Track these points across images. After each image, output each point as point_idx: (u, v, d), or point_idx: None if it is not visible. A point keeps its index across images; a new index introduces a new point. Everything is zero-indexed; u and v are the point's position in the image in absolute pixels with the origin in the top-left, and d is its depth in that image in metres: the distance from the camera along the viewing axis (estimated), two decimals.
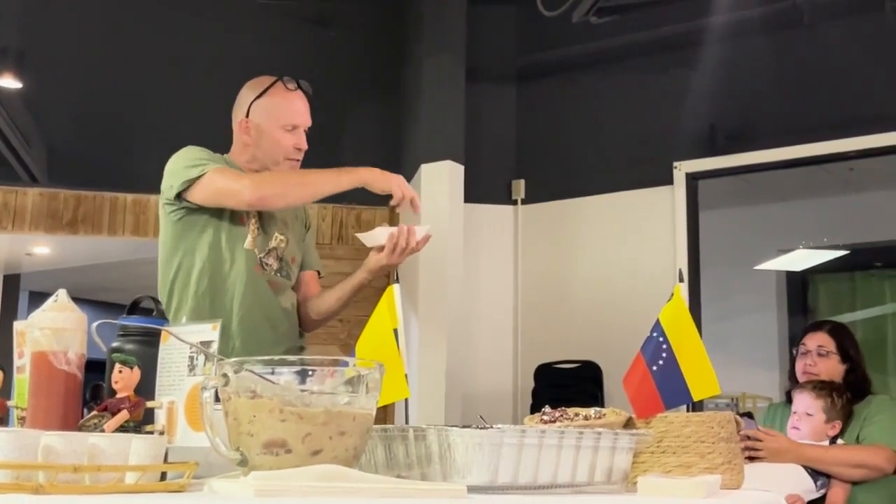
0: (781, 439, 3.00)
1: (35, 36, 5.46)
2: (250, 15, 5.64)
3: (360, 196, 5.99)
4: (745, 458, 2.78)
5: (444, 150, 5.04)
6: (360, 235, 2.70)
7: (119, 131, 5.49)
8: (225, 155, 2.85)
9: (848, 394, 3.17)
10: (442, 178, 5.00)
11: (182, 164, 2.71)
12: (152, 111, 5.48)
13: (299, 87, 2.83)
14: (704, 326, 4.97)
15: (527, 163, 5.59)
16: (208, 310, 2.62)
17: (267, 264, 2.75)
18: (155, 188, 5.91)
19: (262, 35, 5.69)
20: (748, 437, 2.85)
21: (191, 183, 2.65)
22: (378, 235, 2.65)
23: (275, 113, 2.78)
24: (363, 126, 5.70)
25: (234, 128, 2.85)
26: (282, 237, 2.79)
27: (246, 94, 2.84)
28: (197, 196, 2.65)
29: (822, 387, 3.14)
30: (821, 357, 3.28)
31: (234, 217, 2.71)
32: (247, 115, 2.80)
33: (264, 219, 2.77)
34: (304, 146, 2.82)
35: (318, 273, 2.99)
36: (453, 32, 5.26)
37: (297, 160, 2.82)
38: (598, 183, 5.31)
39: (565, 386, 5.05)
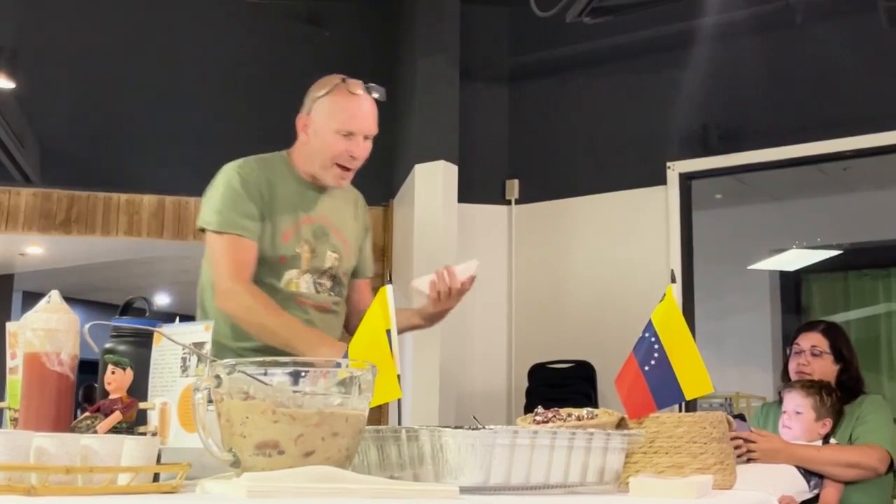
0: (775, 440, 3.00)
1: (28, 36, 5.45)
2: (244, 14, 5.63)
3: None
4: (738, 457, 2.78)
5: (438, 149, 5.04)
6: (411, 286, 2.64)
7: (112, 131, 5.48)
8: (284, 151, 2.78)
9: (838, 392, 3.18)
10: (436, 178, 5.00)
11: (210, 201, 2.66)
12: (146, 111, 5.48)
13: (369, 91, 2.68)
14: (698, 326, 4.98)
15: (521, 163, 5.59)
16: (249, 341, 2.58)
17: (320, 284, 2.69)
18: (148, 188, 5.90)
19: (255, 34, 5.69)
20: (741, 439, 2.85)
21: (204, 226, 2.63)
22: (420, 286, 2.59)
23: (332, 115, 2.65)
24: None
25: (297, 123, 2.75)
26: (335, 255, 2.72)
27: (312, 91, 2.73)
28: (207, 245, 2.64)
29: (810, 385, 3.15)
30: (814, 357, 3.28)
31: (277, 242, 2.64)
32: (308, 113, 2.71)
33: (318, 238, 2.69)
34: (360, 154, 2.67)
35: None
36: (447, 32, 5.26)
37: (350, 169, 2.69)
38: (591, 183, 5.32)
39: (559, 386, 5.06)
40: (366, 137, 2.68)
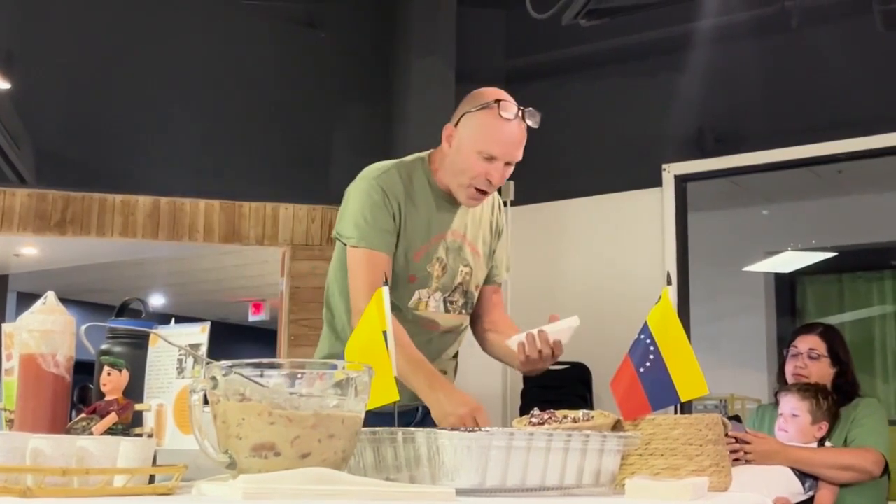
0: (770, 441, 3.00)
1: (24, 37, 5.45)
2: (240, 16, 5.64)
3: None
4: (734, 460, 2.79)
5: None
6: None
7: (108, 132, 5.48)
8: (426, 153, 2.68)
9: (833, 395, 3.19)
10: None
11: (349, 211, 2.56)
12: (141, 112, 5.47)
13: (523, 117, 2.52)
14: (693, 328, 4.99)
15: (516, 164, 5.58)
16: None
17: (451, 302, 2.62)
18: (143, 189, 5.89)
19: (251, 36, 5.69)
20: (737, 440, 2.86)
21: (344, 241, 2.56)
22: (511, 345, 2.45)
23: (477, 134, 2.50)
24: (353, 128, 5.70)
25: (443, 131, 2.61)
26: (467, 269, 2.64)
27: (463, 103, 2.58)
28: (347, 258, 2.55)
29: (807, 388, 3.16)
30: (812, 360, 3.29)
31: (409, 260, 2.56)
32: (456, 124, 2.56)
33: (450, 254, 2.61)
34: (497, 179, 2.53)
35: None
36: (443, 34, 5.27)
37: (484, 191, 2.56)
38: (587, 185, 5.33)
39: (554, 387, 5.05)
40: (507, 163, 2.55)
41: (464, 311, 2.68)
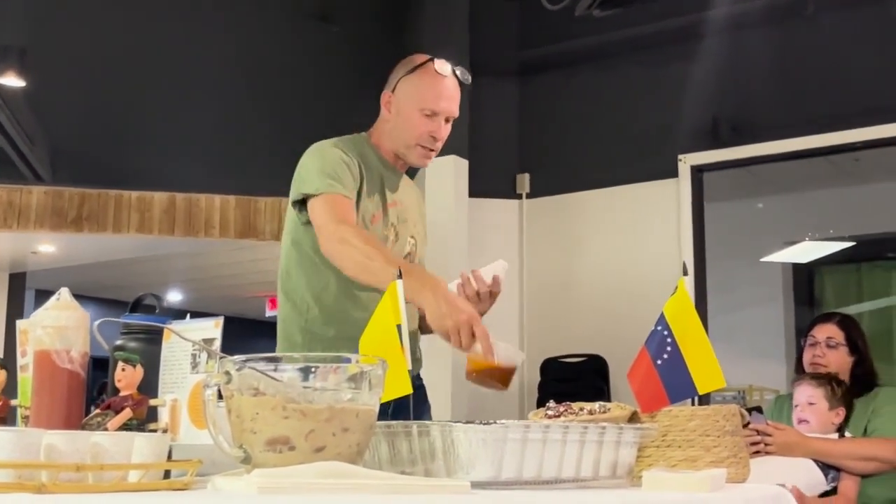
0: (791, 433, 2.99)
1: (38, 34, 5.46)
2: (253, 11, 5.64)
3: None
4: (755, 452, 2.77)
5: (448, 144, 4.94)
6: None
7: (123, 129, 5.50)
8: (364, 133, 2.72)
9: (846, 383, 3.18)
10: (446, 173, 4.99)
11: (312, 171, 2.52)
12: (156, 108, 5.48)
13: (455, 74, 2.63)
14: (710, 319, 4.97)
15: (531, 157, 5.58)
16: (340, 328, 2.53)
17: None
18: (159, 185, 5.90)
19: (265, 31, 5.69)
20: (758, 432, 2.84)
21: (306, 196, 2.50)
22: (451, 288, 2.42)
23: (417, 94, 2.61)
24: (367, 121, 5.68)
25: (381, 99, 2.69)
26: (412, 241, 2.68)
27: (397, 69, 2.69)
28: (309, 212, 2.50)
29: (819, 376, 3.17)
30: (830, 348, 3.28)
31: (367, 224, 2.55)
32: (393, 90, 2.66)
33: (400, 222, 2.64)
34: (441, 135, 2.62)
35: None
36: (456, 26, 5.26)
37: (431, 149, 2.63)
38: (602, 176, 5.31)
39: (571, 380, 5.05)
40: (447, 119, 2.62)
41: None
